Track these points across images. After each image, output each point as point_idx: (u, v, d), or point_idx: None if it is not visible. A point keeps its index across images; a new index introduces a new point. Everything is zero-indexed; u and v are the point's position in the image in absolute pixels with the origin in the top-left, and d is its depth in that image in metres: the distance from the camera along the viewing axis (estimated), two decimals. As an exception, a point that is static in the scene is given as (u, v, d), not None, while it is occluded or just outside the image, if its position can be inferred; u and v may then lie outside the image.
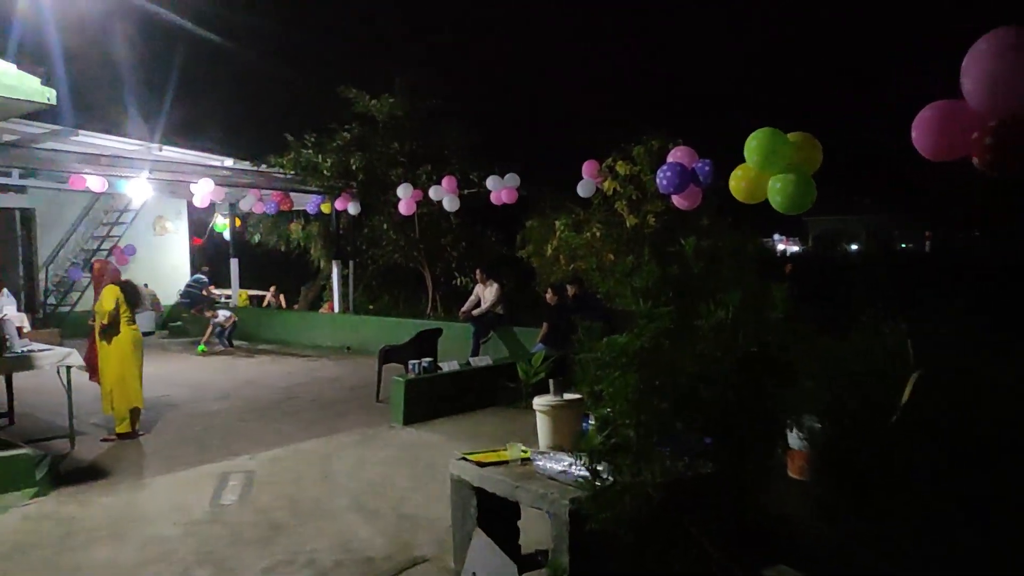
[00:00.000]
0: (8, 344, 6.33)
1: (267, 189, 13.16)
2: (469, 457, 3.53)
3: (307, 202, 14.62)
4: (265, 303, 17.71)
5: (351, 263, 14.67)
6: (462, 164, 12.88)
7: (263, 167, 12.58)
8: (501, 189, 11.43)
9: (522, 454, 3.42)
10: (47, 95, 5.70)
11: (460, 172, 12.51)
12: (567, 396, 3.68)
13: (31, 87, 5.59)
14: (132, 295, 6.95)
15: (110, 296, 6.75)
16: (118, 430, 6.89)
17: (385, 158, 13.02)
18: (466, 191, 12.36)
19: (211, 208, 18.22)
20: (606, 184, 8.51)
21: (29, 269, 15.63)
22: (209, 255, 18.61)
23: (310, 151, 12.46)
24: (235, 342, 13.87)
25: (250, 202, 15.06)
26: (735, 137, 6.22)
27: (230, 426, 7.48)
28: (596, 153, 10.03)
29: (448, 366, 7.76)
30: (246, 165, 12.75)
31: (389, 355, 8.84)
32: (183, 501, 5.00)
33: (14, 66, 5.66)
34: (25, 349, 6.44)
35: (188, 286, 16.74)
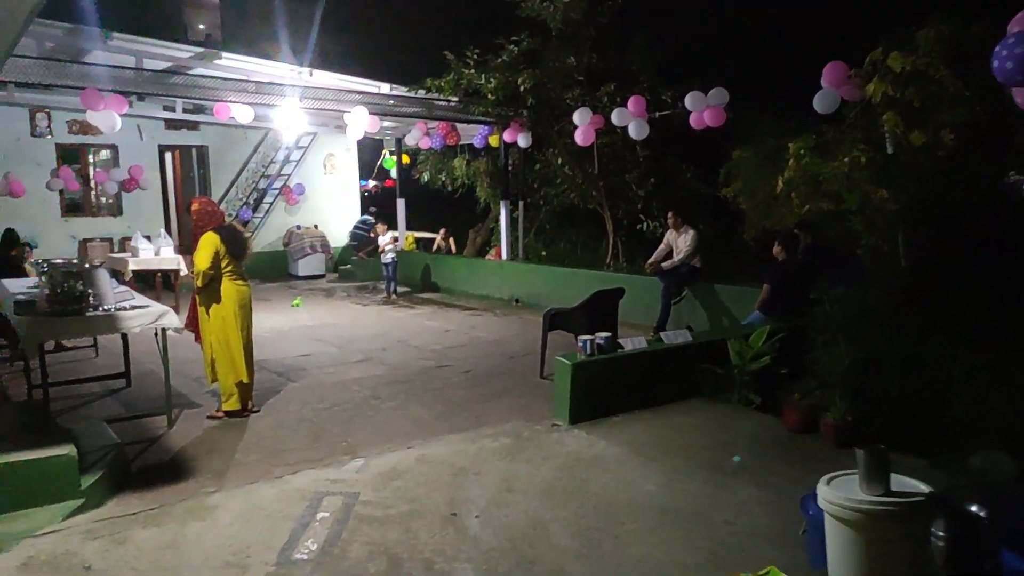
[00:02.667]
0: (92, 301, 5.15)
1: (426, 118, 11.59)
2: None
3: (474, 135, 12.97)
4: (435, 247, 16.52)
5: (521, 204, 12.90)
6: (652, 81, 10.49)
7: (420, 92, 10.98)
8: (703, 109, 9.01)
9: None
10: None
11: (650, 91, 10.17)
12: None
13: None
14: (235, 243, 5.55)
15: (206, 248, 5.37)
16: (224, 407, 5.63)
17: (559, 77, 10.89)
18: (657, 114, 10.03)
19: (380, 145, 17.26)
20: (871, 87, 5.90)
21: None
22: (378, 195, 17.76)
23: (472, 71, 10.67)
24: (399, 289, 12.74)
25: (416, 136, 13.72)
26: None
27: (358, 406, 6.01)
28: (841, 53, 7.33)
29: (632, 344, 5.72)
30: (403, 91, 11.21)
31: (556, 321, 6.97)
32: (245, 543, 3.47)
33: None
34: (116, 306, 5.25)
35: (355, 227, 15.95)
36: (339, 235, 16.46)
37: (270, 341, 8.73)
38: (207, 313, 5.53)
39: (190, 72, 9.76)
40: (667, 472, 4.33)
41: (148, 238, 11.11)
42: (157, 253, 10.75)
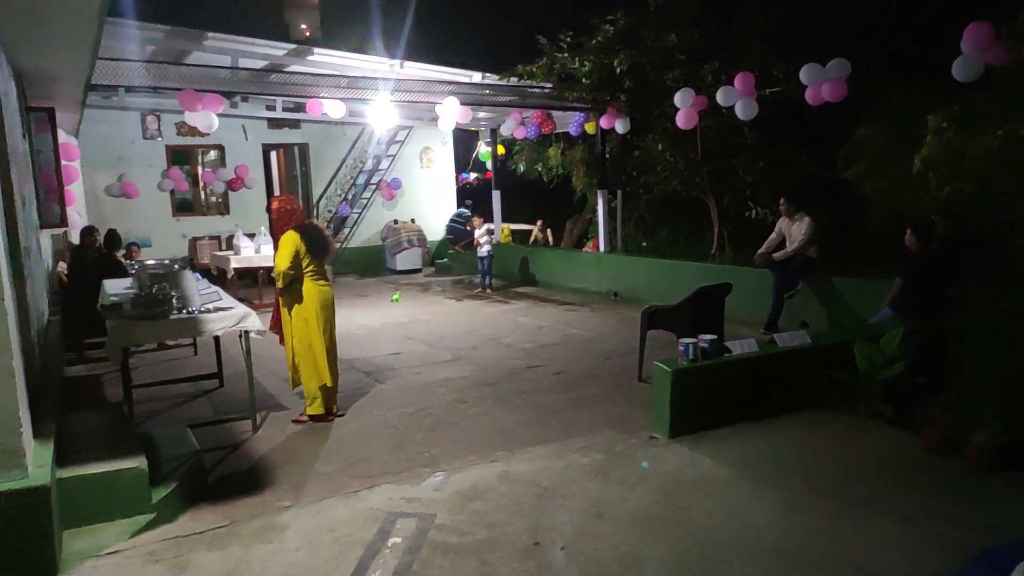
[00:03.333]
0: (176, 303, 5.08)
1: (519, 106, 11.20)
2: None
3: (570, 122, 12.49)
4: (532, 239, 16.21)
5: (619, 193, 12.32)
6: (762, 56, 9.64)
7: (512, 80, 10.58)
8: (821, 83, 8.16)
9: None
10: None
11: (759, 67, 9.35)
12: None
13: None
14: (315, 242, 5.34)
15: (286, 248, 5.19)
16: (308, 411, 5.46)
17: (658, 56, 10.21)
18: (767, 91, 9.22)
19: (476, 137, 17.04)
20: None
21: (306, 205, 15.71)
22: (477, 188, 17.57)
23: (565, 55, 10.15)
24: (494, 282, 12.47)
25: (511, 126, 13.36)
26: None
27: (443, 411, 5.72)
28: (983, 12, 6.39)
29: (740, 347, 5.13)
30: (495, 79, 10.85)
31: (655, 319, 6.44)
32: (309, 572, 3.20)
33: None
34: (200, 308, 5.16)
35: (451, 221, 15.81)
36: (436, 229, 16.39)
37: (362, 339, 8.63)
38: (289, 314, 5.37)
39: (284, 70, 9.77)
40: (784, 500, 3.76)
41: (251, 236, 11.31)
42: (257, 251, 10.90)
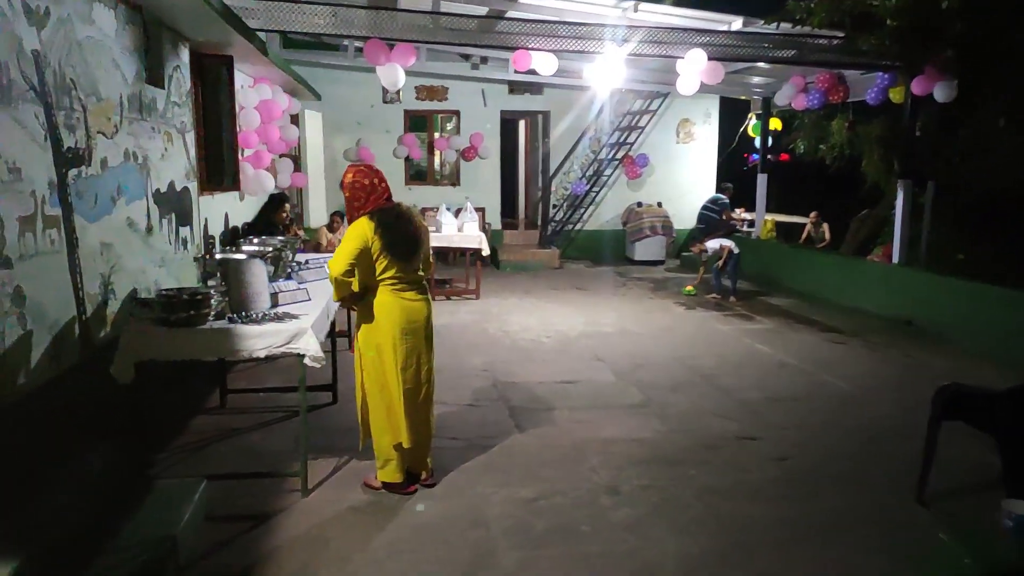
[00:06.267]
0: (216, 307, 3.73)
1: (788, 62, 8.41)
2: None
3: (867, 88, 9.36)
4: (803, 236, 13.12)
5: (930, 185, 9.00)
6: None
7: (784, 27, 7.89)
8: None
9: None
10: None
11: None
12: None
13: None
14: (399, 236, 3.61)
15: (351, 241, 3.54)
16: (380, 477, 3.84)
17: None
18: None
19: (747, 109, 14.22)
20: None
21: (544, 180, 14.30)
22: (732, 169, 14.77)
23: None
24: (740, 286, 9.98)
25: (788, 93, 10.58)
26: None
27: (574, 507, 3.75)
28: None
29: None
30: (760, 26, 8.23)
31: (954, 406, 3.78)
32: None
33: None
34: (261, 315, 3.77)
35: (705, 208, 13.31)
36: (687, 216, 14.02)
37: (543, 352, 6.90)
38: (359, 340, 3.76)
39: (489, 15, 8.17)
40: None
41: (456, 211, 10.10)
42: (460, 229, 9.64)
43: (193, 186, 6.48)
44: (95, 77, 4.34)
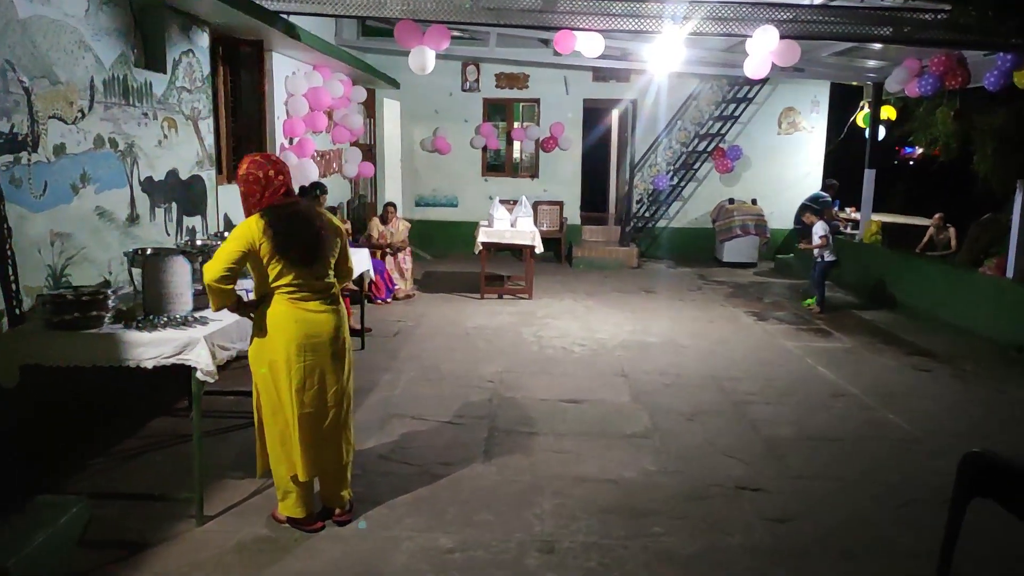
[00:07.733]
0: (109, 307, 3.42)
1: (880, 40, 7.21)
2: None
3: (988, 72, 7.94)
4: (924, 241, 11.40)
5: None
6: None
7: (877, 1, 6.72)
8: None
9: None
10: None
11: None
12: None
13: None
14: (294, 238, 3.11)
15: (234, 242, 3.08)
16: (281, 511, 3.41)
17: None
18: None
19: (859, 96, 12.70)
20: None
21: (629, 173, 13.46)
22: (845, 163, 13.23)
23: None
24: (835, 296, 8.86)
25: (900, 78, 9.27)
26: None
27: (510, 563, 3.16)
28: None
29: None
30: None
31: (988, 481, 2.85)
32: None
33: None
34: (169, 317, 3.44)
35: (803, 207, 12.02)
36: (785, 215, 12.76)
37: (566, 363, 6.27)
38: (249, 355, 3.32)
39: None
40: None
41: (511, 205, 9.54)
42: (513, 224, 9.10)
43: (210, 175, 6.32)
44: (48, 59, 4.16)
